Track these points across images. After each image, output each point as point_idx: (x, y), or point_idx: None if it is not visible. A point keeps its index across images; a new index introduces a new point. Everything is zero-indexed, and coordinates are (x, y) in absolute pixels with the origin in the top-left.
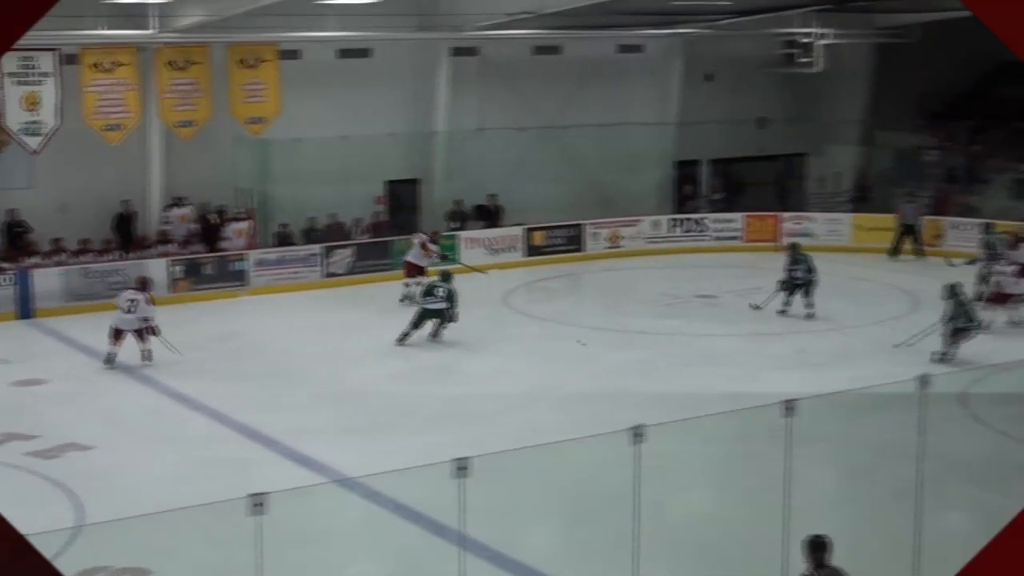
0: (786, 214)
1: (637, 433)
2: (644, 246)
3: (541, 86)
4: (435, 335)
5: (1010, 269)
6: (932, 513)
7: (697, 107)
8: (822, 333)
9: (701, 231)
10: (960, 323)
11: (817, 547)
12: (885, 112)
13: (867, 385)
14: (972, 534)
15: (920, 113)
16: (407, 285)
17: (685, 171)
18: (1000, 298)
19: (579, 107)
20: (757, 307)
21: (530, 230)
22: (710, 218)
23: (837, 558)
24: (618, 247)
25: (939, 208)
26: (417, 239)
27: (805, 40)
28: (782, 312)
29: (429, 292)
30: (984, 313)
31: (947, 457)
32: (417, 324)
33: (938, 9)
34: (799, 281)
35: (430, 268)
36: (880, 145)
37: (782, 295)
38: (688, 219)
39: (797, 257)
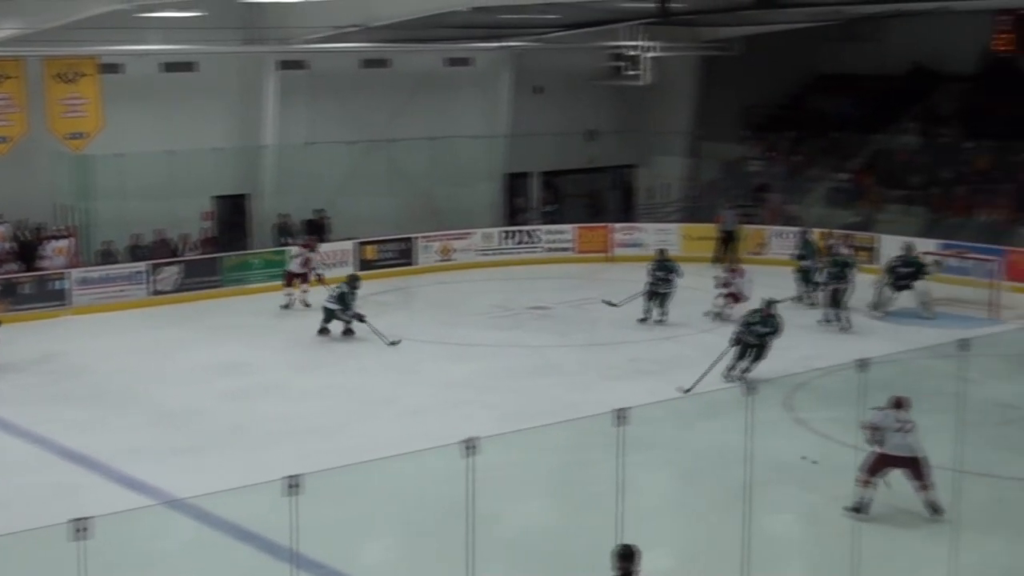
0: (616, 225)
1: (470, 446)
2: (476, 259)
3: (370, 99)
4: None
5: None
6: (760, 515)
7: (527, 120)
8: (655, 342)
9: (533, 243)
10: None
11: (625, 557)
12: (711, 124)
13: (697, 392)
14: (797, 534)
15: (744, 125)
16: (288, 295)
17: (516, 183)
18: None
19: (409, 120)
20: (612, 304)
21: (361, 244)
22: (542, 230)
23: (669, 562)
24: (450, 260)
25: (764, 217)
26: (298, 252)
27: (632, 53)
28: (643, 320)
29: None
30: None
31: (773, 460)
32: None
33: (759, 23)
34: (661, 289)
35: (313, 278)
36: (706, 156)
37: (643, 301)
38: (520, 231)
39: (663, 264)
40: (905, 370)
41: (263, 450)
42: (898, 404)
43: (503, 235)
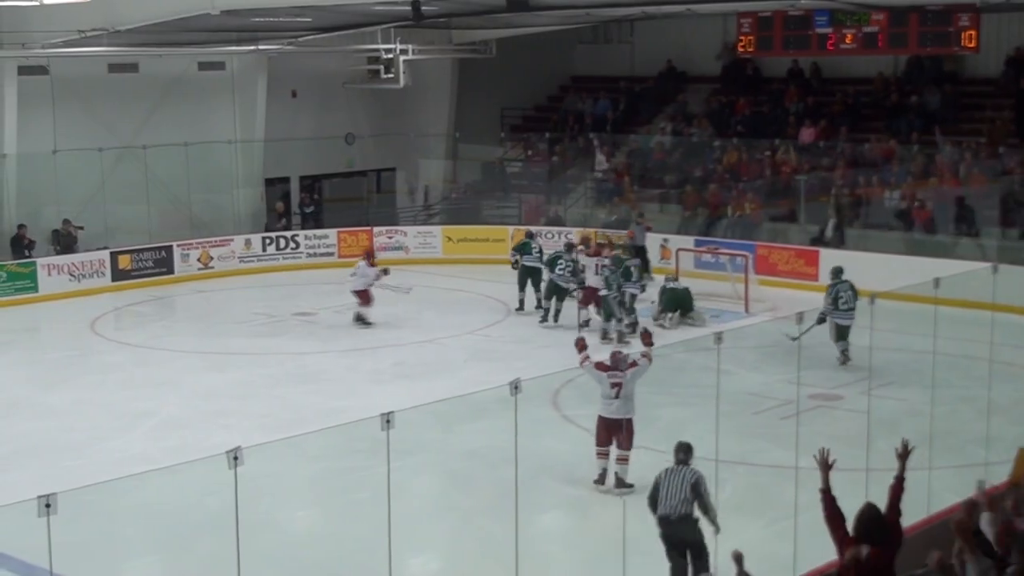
0: (378, 228)
1: (235, 456)
2: (237, 266)
3: (119, 105)
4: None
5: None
6: (529, 513)
7: (284, 124)
8: (419, 345)
9: (295, 248)
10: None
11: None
12: (469, 126)
13: (464, 393)
14: (566, 530)
15: (502, 126)
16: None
17: (275, 188)
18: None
19: (162, 126)
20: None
21: (115, 254)
22: (303, 235)
23: (440, 564)
24: (210, 268)
25: (527, 218)
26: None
27: (387, 56)
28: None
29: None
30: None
31: (541, 458)
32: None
33: (512, 26)
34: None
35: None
36: (466, 158)
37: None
38: (281, 237)
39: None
40: (664, 364)
41: (10, 470)
42: (613, 365)
43: (264, 241)
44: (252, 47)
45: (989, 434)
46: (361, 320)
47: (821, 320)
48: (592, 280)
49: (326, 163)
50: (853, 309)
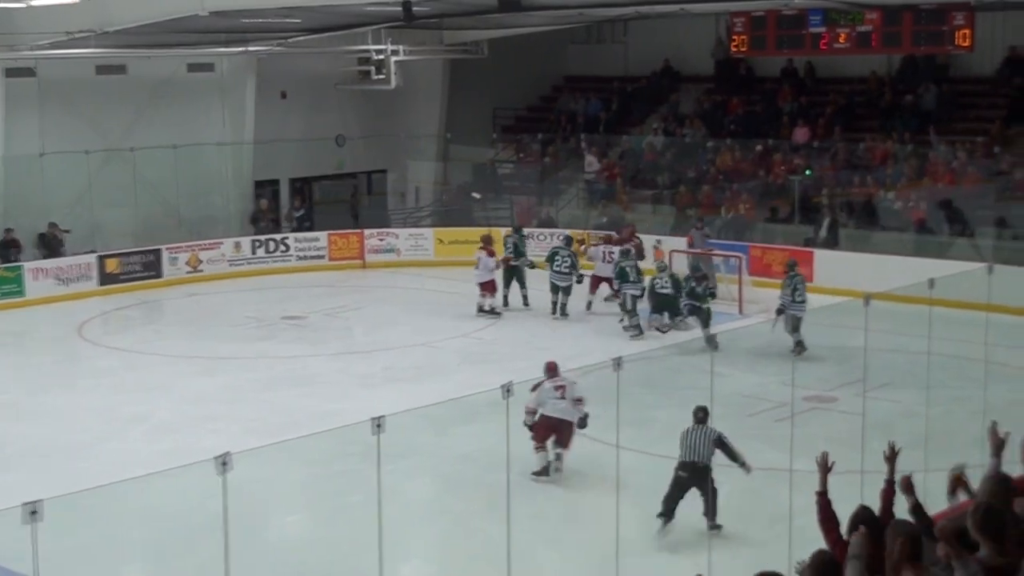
0: (369, 231)
1: (224, 461)
2: (227, 269)
3: (108, 107)
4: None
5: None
6: (522, 518)
7: (274, 126)
8: (410, 348)
9: (285, 251)
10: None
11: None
12: (460, 127)
13: (456, 396)
14: (559, 535)
15: (494, 127)
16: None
17: (265, 191)
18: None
19: (150, 128)
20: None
21: (102, 257)
22: (293, 238)
23: (432, 568)
24: (199, 271)
25: (519, 219)
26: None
27: (378, 57)
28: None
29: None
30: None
31: (534, 462)
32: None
33: (504, 26)
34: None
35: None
36: (457, 159)
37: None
38: (271, 239)
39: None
40: (660, 367)
41: (4, 473)
42: (551, 370)
43: (254, 244)
44: (241, 48)
45: (985, 435)
46: (490, 311)
47: (780, 311)
48: (600, 269)
49: (316, 165)
50: (805, 302)
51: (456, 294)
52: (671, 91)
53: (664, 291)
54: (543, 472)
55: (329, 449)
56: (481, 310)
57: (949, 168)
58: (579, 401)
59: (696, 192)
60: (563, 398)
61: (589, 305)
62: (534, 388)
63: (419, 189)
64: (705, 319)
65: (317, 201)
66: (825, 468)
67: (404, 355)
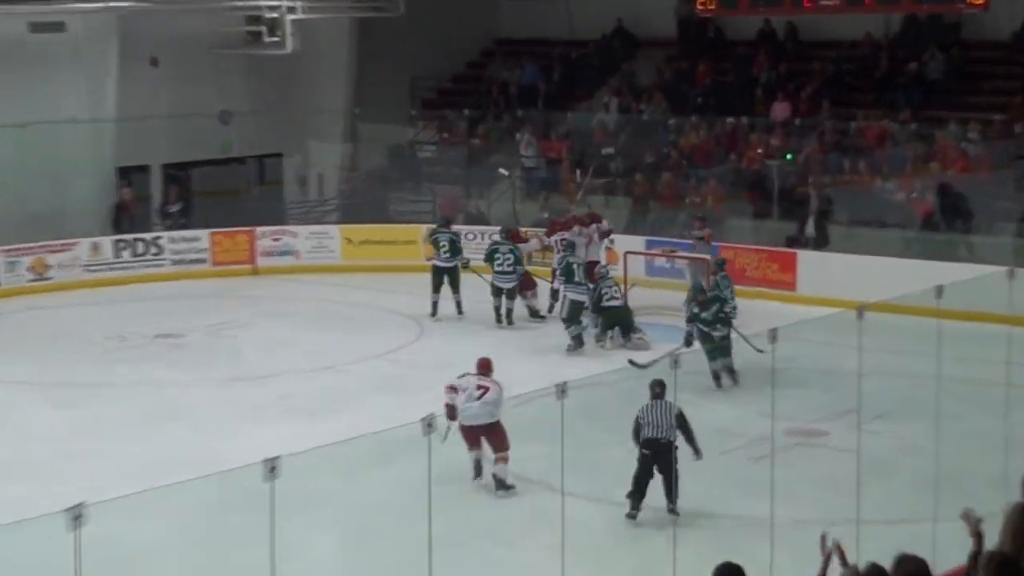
0: (261, 229)
1: (76, 515)
2: (82, 276)
3: None
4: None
5: None
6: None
7: (142, 99)
8: (312, 373)
9: (156, 254)
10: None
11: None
12: (372, 101)
13: (368, 432)
14: None
15: (412, 101)
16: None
17: (131, 179)
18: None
19: None
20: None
21: None
22: (167, 238)
23: None
24: (46, 279)
25: (442, 213)
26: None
27: (271, 15)
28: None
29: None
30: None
31: (465, 511)
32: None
33: None
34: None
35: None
36: (368, 140)
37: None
38: (139, 240)
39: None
40: (611, 394)
41: None
42: (482, 367)
43: (117, 245)
44: (99, 3)
45: (1008, 475)
46: (536, 313)
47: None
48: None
49: (195, 148)
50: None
51: (369, 306)
52: (625, 58)
53: (614, 303)
54: (478, 472)
55: (211, 497)
56: (535, 315)
57: (960, 151)
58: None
59: (655, 181)
60: (480, 400)
61: (551, 308)
62: (461, 375)
63: (322, 177)
64: (715, 352)
65: (197, 192)
66: (837, 550)
67: (304, 382)
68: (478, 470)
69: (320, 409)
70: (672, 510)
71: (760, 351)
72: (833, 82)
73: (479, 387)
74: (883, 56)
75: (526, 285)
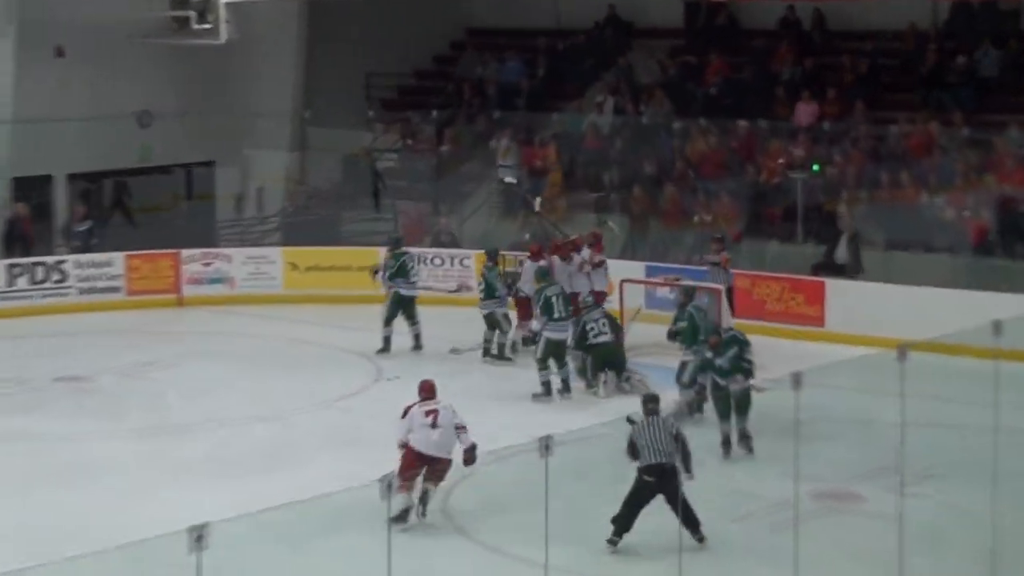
0: (188, 252)
1: None
2: None
3: None
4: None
5: None
6: None
7: (45, 97)
8: (248, 423)
9: (60, 281)
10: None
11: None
12: (324, 101)
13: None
14: None
15: (369, 101)
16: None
17: (30, 192)
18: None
19: None
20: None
21: None
22: (73, 262)
23: None
24: None
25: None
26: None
27: None
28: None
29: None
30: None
31: None
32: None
33: None
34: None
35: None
36: (319, 148)
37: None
38: (38, 264)
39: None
40: (601, 450)
41: None
42: (424, 391)
43: (11, 271)
44: None
45: None
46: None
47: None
48: (580, 285)
49: (109, 155)
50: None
51: (316, 344)
52: (621, 50)
53: (602, 339)
54: (401, 518)
55: (127, 573)
56: (527, 343)
57: (1020, 161)
58: (461, 429)
59: (656, 196)
60: (435, 426)
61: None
62: (404, 414)
63: (263, 191)
64: (728, 410)
65: (110, 208)
66: None
67: (239, 434)
68: (403, 516)
69: (258, 467)
70: (700, 539)
71: (760, 390)
72: (868, 80)
73: (427, 413)
74: (929, 49)
75: (524, 314)
